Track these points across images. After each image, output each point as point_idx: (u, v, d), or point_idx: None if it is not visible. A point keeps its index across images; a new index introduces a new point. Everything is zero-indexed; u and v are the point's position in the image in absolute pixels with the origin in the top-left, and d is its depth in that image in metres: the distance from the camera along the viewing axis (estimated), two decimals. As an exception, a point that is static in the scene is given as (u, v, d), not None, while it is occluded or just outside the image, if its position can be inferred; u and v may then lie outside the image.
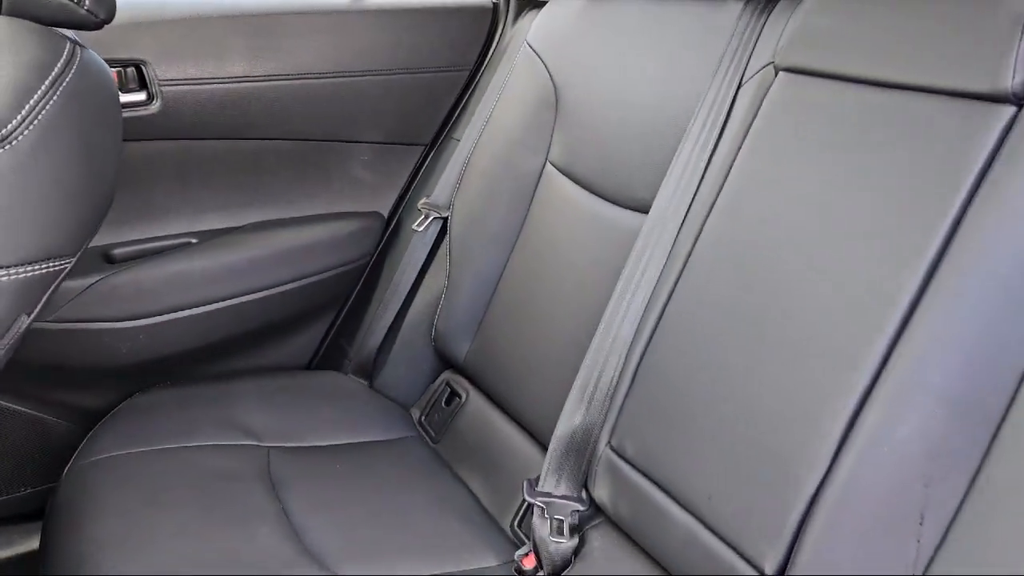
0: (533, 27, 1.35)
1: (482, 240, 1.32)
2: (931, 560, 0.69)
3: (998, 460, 0.68)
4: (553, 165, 1.27)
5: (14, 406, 1.26)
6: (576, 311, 1.12)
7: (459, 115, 1.48)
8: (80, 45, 0.71)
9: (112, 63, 1.20)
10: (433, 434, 1.33)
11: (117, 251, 1.30)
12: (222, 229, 1.38)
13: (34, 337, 1.21)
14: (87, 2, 0.68)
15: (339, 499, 1.11)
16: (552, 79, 1.28)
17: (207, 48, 1.26)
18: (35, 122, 0.61)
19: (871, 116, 0.80)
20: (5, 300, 0.61)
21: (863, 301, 0.75)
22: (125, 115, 1.23)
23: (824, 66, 0.85)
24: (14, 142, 0.59)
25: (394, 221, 1.51)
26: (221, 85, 1.28)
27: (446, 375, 1.38)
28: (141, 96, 1.23)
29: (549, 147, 1.28)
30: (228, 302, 1.34)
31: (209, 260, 1.33)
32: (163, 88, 1.24)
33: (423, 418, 1.36)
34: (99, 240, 1.29)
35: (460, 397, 1.33)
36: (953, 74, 0.74)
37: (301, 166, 1.42)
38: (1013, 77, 0.70)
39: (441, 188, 1.41)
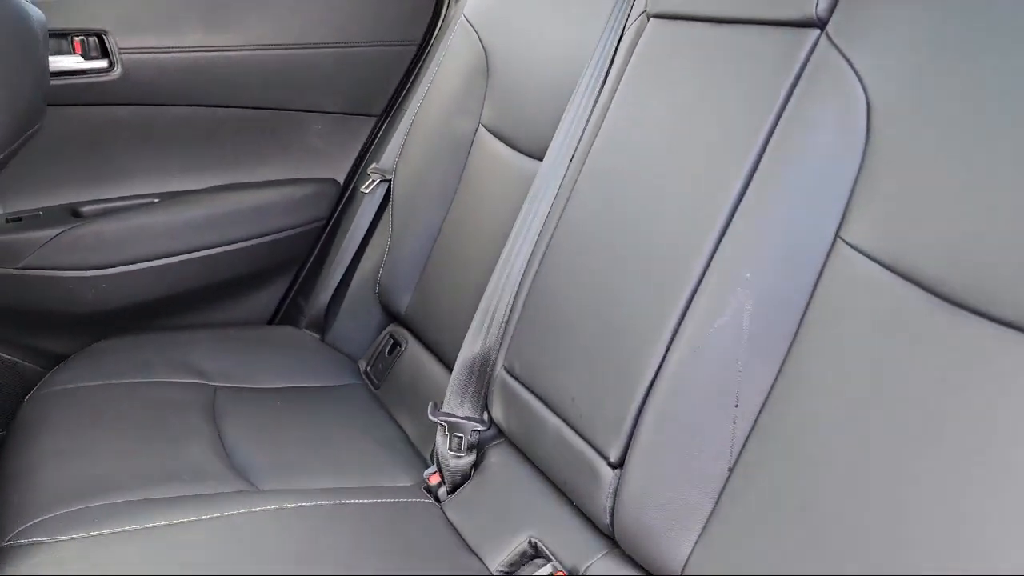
0: (470, 2, 1.44)
1: (422, 200, 1.42)
2: (744, 444, 0.77)
3: (803, 347, 0.75)
4: (484, 127, 1.36)
5: (-8, 351, 1.38)
6: (496, 258, 1.20)
7: (409, 86, 1.58)
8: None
9: (75, 32, 1.32)
10: (376, 382, 1.42)
11: (84, 208, 1.41)
12: (184, 192, 1.48)
13: (4, 283, 1.33)
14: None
15: (272, 428, 1.20)
16: (484, 47, 1.37)
17: (165, 19, 1.37)
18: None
19: (713, 50, 0.88)
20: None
21: (695, 212, 0.83)
22: (88, 80, 1.35)
23: (682, 9, 0.94)
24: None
25: (350, 187, 1.61)
26: (178, 54, 1.39)
27: (391, 328, 1.47)
28: (103, 64, 1.35)
29: (481, 111, 1.37)
30: (187, 256, 1.45)
31: (169, 216, 1.44)
32: (123, 56, 1.35)
33: (368, 368, 1.45)
34: (67, 198, 1.41)
35: (400, 347, 1.42)
36: (774, 5, 0.82)
37: (258, 133, 1.52)
38: (817, 4, 0.77)
39: (388, 154, 1.51)
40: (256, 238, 1.52)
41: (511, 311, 1.05)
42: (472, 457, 1.06)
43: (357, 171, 1.61)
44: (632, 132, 0.95)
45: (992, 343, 0.62)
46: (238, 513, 0.95)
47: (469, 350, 1.08)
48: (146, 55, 1.37)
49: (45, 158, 1.36)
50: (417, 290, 1.40)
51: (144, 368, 1.28)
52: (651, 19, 0.99)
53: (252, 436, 1.17)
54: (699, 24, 0.91)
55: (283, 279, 1.60)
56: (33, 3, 1.09)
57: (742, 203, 0.79)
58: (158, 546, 0.88)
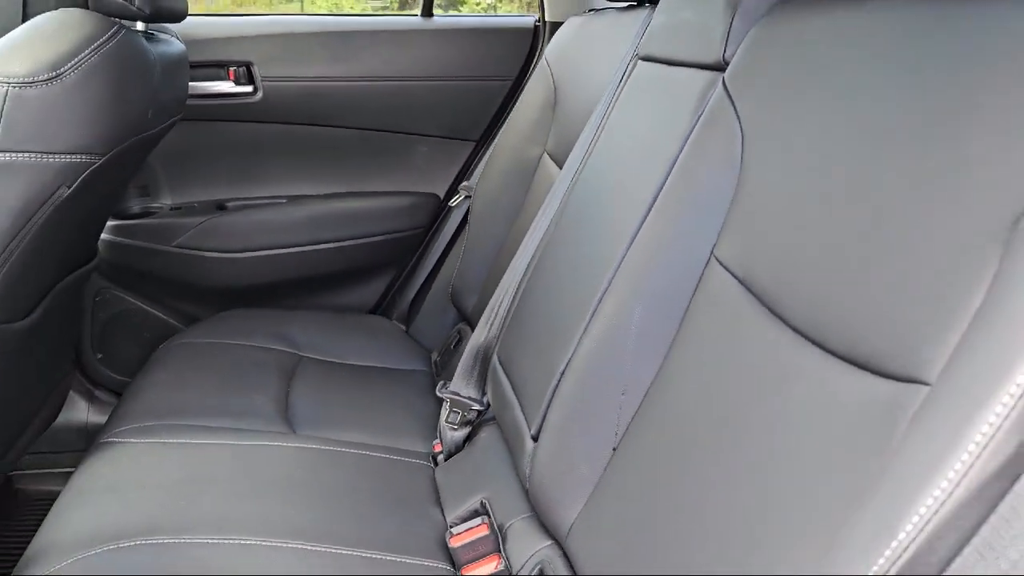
0: (551, 43, 1.63)
1: (493, 215, 1.61)
2: (627, 429, 0.88)
3: (677, 348, 0.85)
4: (547, 154, 1.53)
5: (149, 308, 1.75)
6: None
7: (503, 116, 1.79)
8: (128, 29, 1.13)
9: (229, 63, 1.66)
10: (440, 371, 1.62)
11: (228, 203, 1.76)
12: (306, 195, 1.79)
13: (162, 258, 1.69)
14: (136, 3, 1.10)
15: (330, 393, 1.44)
16: (554, 83, 1.55)
17: (297, 55, 1.69)
18: (79, 68, 1.02)
19: (659, 87, 1.01)
20: (50, 175, 1.02)
21: (618, 224, 0.96)
22: (237, 101, 1.69)
23: (650, 52, 1.07)
24: (63, 78, 1.00)
25: (448, 202, 1.84)
26: (307, 83, 1.70)
27: (460, 325, 1.67)
28: (249, 89, 1.69)
29: (547, 140, 1.55)
30: (304, 248, 1.75)
31: (293, 214, 1.75)
32: (264, 83, 1.68)
33: (437, 359, 1.66)
34: (216, 194, 1.76)
35: (464, 342, 1.61)
36: (700, 50, 0.93)
37: (372, 151, 1.80)
38: (724, 50, 0.88)
39: (477, 174, 1.72)
40: (362, 238, 1.79)
41: (510, 306, 1.22)
42: (466, 431, 1.23)
43: (455, 188, 1.84)
44: (602, 155, 1.09)
45: (795, 357, 0.69)
46: (267, 445, 1.19)
47: (476, 338, 1.26)
48: (282, 83, 1.69)
49: (202, 162, 1.72)
50: (480, 292, 1.60)
51: (249, 334, 1.58)
52: (638, 61, 1.13)
53: (311, 396, 1.41)
54: (656, 64, 1.03)
55: (384, 276, 1.86)
56: (188, 39, 1.44)
57: (647, 220, 0.91)
58: (195, 457, 1.14)
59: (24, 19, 1.28)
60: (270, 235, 1.73)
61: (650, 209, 0.91)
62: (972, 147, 0.54)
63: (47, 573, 0.88)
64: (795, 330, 0.70)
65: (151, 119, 1.18)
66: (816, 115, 0.76)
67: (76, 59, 1.02)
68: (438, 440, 1.27)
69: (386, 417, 1.39)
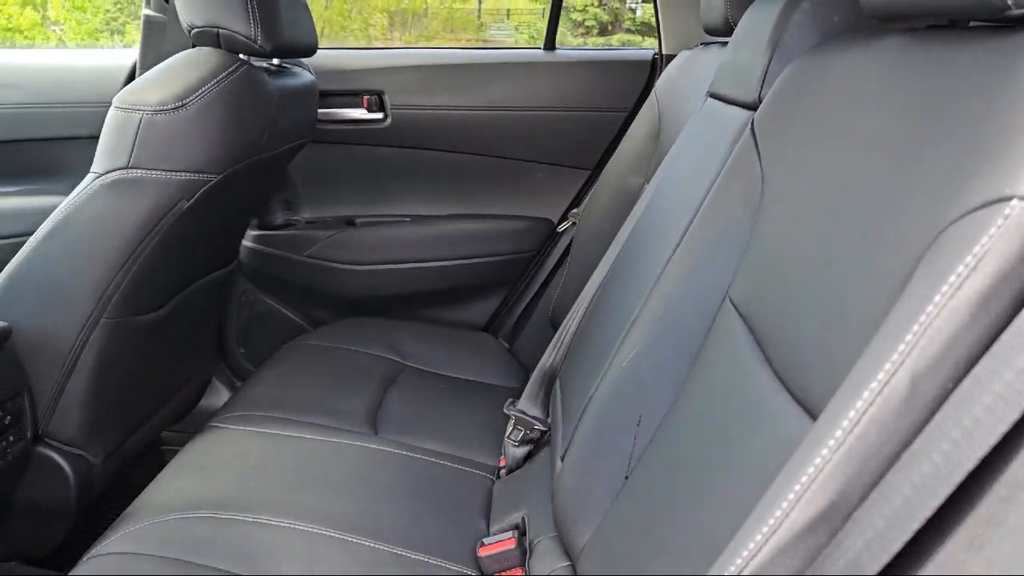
0: (661, 75, 1.65)
1: (594, 241, 1.64)
2: (640, 458, 0.90)
3: (696, 375, 0.86)
4: (647, 183, 1.55)
5: (284, 311, 1.93)
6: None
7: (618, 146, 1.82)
8: (250, 64, 1.28)
9: (363, 92, 1.82)
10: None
11: (357, 219, 1.91)
12: (428, 215, 1.91)
13: (297, 266, 1.87)
14: (259, 39, 1.26)
15: (422, 403, 1.53)
16: (659, 115, 1.57)
17: (424, 85, 1.81)
18: (201, 99, 1.18)
19: (710, 122, 1.01)
20: (173, 190, 1.19)
21: (654, 256, 0.98)
22: (368, 127, 1.84)
23: (714, 89, 1.08)
24: (187, 107, 1.16)
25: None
26: (432, 111, 1.82)
27: (558, 346, 1.72)
28: (380, 115, 1.83)
29: (648, 170, 1.57)
30: (424, 264, 1.87)
31: (415, 232, 1.88)
32: (393, 111, 1.82)
33: (535, 377, 1.72)
34: (347, 211, 1.92)
35: (560, 362, 1.66)
36: (743, 89, 0.94)
37: (491, 176, 1.89)
38: (760, 91, 0.88)
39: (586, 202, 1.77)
40: (478, 258, 1.89)
41: (576, 330, 1.26)
42: (527, 449, 1.28)
43: (567, 215, 1.89)
44: (659, 190, 1.11)
45: (771, 401, 0.69)
46: (345, 443, 1.30)
47: (544, 360, 1.31)
48: (409, 111, 1.82)
49: (336, 181, 1.89)
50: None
51: (362, 341, 1.71)
52: (708, 97, 1.14)
53: (402, 403, 1.51)
54: (715, 101, 1.04)
55: (496, 295, 1.95)
56: (328, 70, 1.60)
57: (673, 256, 0.92)
58: (278, 447, 1.26)
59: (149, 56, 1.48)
60: (393, 250, 1.87)
61: (678, 245, 0.92)
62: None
63: (126, 531, 1.02)
64: (775, 373, 0.70)
65: (266, 144, 1.34)
66: (824, 163, 0.75)
67: (199, 91, 1.18)
68: (502, 456, 1.32)
69: (464, 429, 1.46)
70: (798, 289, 0.71)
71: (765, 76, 0.88)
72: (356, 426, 1.39)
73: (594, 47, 1.96)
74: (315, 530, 1.05)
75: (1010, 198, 0.38)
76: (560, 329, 1.30)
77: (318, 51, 1.56)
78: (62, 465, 1.29)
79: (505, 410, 1.32)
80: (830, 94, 0.76)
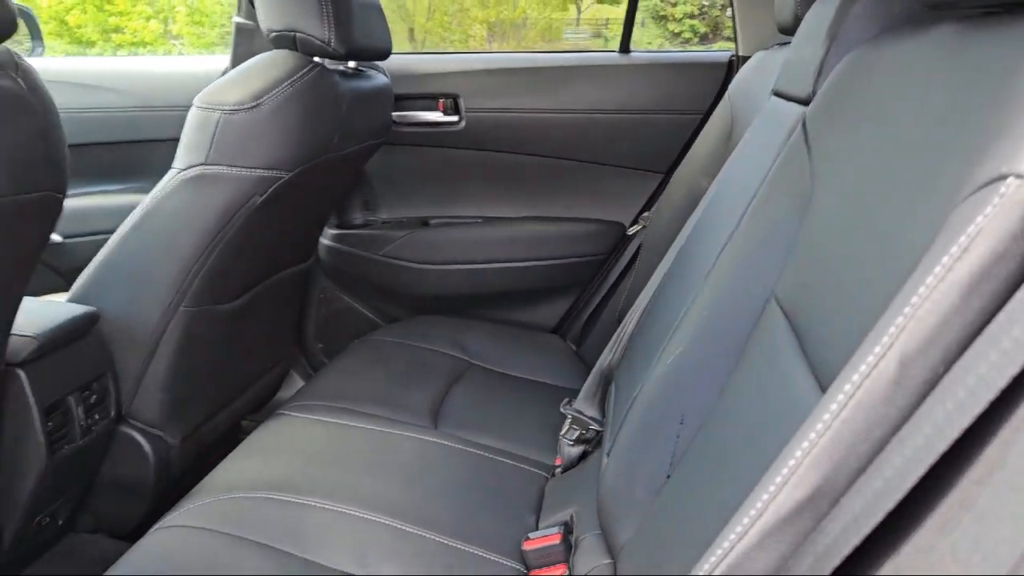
0: (735, 77, 1.62)
1: (660, 243, 1.63)
2: (682, 457, 0.89)
3: (739, 374, 0.85)
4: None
5: (360, 307, 1.99)
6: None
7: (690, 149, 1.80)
8: (324, 67, 1.33)
9: (439, 96, 1.85)
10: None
11: (431, 220, 1.95)
12: (500, 217, 1.93)
13: (372, 264, 1.92)
14: (333, 42, 1.30)
15: (484, 400, 1.55)
16: (732, 116, 1.55)
17: (498, 88, 1.84)
18: (275, 99, 1.23)
19: (770, 120, 0.99)
20: (247, 186, 1.25)
21: (703, 256, 0.96)
22: (444, 130, 1.88)
23: (777, 87, 1.06)
24: (262, 107, 1.22)
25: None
26: (505, 114, 1.84)
27: (623, 350, 1.71)
28: (455, 118, 1.87)
29: (718, 172, 1.54)
30: (494, 264, 1.89)
31: (487, 233, 1.90)
32: (468, 114, 1.85)
33: (599, 380, 1.71)
34: (421, 211, 1.96)
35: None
36: (799, 85, 0.92)
37: (563, 179, 1.90)
38: (814, 86, 0.86)
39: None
40: (549, 260, 1.89)
41: (632, 331, 1.25)
42: (581, 448, 1.28)
43: (639, 218, 1.88)
44: (717, 189, 1.09)
45: (807, 399, 0.68)
46: (404, 435, 1.33)
47: (602, 360, 1.30)
48: (483, 114, 1.85)
49: (412, 182, 1.93)
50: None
51: (431, 339, 1.74)
52: (771, 95, 1.11)
53: (464, 400, 1.53)
54: (776, 99, 1.02)
55: (567, 297, 1.95)
56: (406, 74, 1.64)
57: (723, 252, 0.91)
58: (339, 435, 1.30)
59: (239, 60, 1.55)
60: (465, 251, 1.90)
61: (725, 245, 0.91)
62: None
63: (189, 507, 1.08)
64: (813, 372, 0.68)
65: (338, 143, 1.38)
66: (870, 155, 0.73)
67: (273, 91, 1.24)
68: (558, 455, 1.32)
69: (523, 427, 1.47)
70: (838, 286, 0.69)
71: (820, 70, 0.86)
72: (417, 420, 1.42)
73: (670, 50, 1.93)
74: (367, 516, 1.08)
75: (1007, 176, 0.37)
76: (619, 329, 1.30)
77: (396, 55, 1.61)
78: (142, 444, 1.36)
79: (562, 409, 1.32)
80: (880, 86, 0.74)
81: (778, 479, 0.41)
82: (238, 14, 1.80)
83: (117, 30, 8.41)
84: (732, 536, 0.43)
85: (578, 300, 1.95)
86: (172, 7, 9.13)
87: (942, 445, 0.33)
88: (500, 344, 1.78)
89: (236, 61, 1.76)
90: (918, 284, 0.39)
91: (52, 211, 0.92)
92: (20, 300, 1.01)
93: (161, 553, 0.99)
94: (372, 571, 0.99)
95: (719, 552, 0.43)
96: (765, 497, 0.41)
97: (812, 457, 0.40)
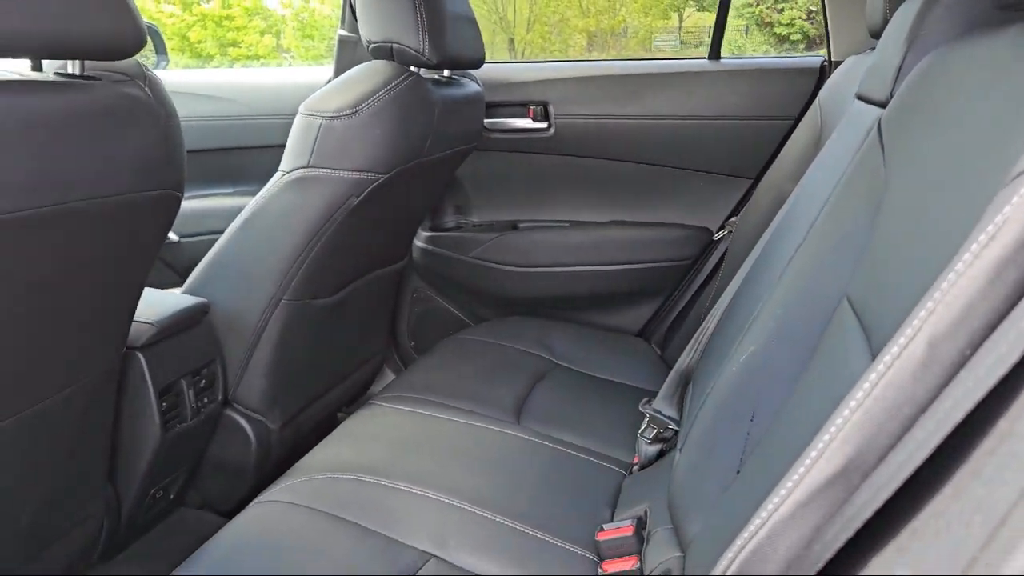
0: (826, 82, 1.61)
1: (745, 248, 1.63)
2: (752, 453, 0.90)
3: (809, 373, 0.86)
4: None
5: (450, 307, 2.06)
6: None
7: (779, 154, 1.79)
8: (419, 76, 1.40)
9: (530, 103, 1.91)
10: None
11: (520, 224, 2.00)
12: (588, 221, 1.97)
13: (462, 266, 1.99)
14: (427, 52, 1.38)
15: (566, 398, 1.59)
16: (821, 121, 1.54)
17: (586, 96, 1.87)
18: (373, 107, 1.31)
19: (851, 122, 1.00)
20: (345, 187, 1.33)
21: (777, 259, 0.97)
22: (533, 136, 1.93)
23: (859, 90, 1.06)
24: (360, 113, 1.30)
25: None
26: (593, 120, 1.88)
27: (708, 354, 1.72)
28: (544, 125, 1.92)
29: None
30: (581, 268, 1.93)
31: (574, 237, 1.94)
32: (556, 120, 1.89)
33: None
34: (511, 215, 2.02)
35: (705, 370, 1.66)
36: (879, 87, 0.92)
37: (651, 185, 1.92)
38: (892, 87, 0.87)
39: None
40: (635, 264, 1.92)
41: (711, 332, 1.26)
42: (659, 447, 1.30)
43: (726, 224, 1.88)
44: (798, 192, 1.10)
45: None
46: (487, 428, 1.38)
47: (681, 362, 1.32)
48: (572, 120, 1.89)
49: (502, 186, 1.99)
50: (726, 323, 1.63)
51: (517, 338, 1.79)
52: (855, 99, 1.11)
53: (547, 398, 1.57)
54: (859, 102, 1.02)
55: (653, 301, 1.96)
56: (497, 83, 1.71)
57: (796, 253, 0.92)
58: (425, 425, 1.37)
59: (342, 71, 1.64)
60: (552, 254, 1.94)
61: (800, 246, 0.92)
62: None
63: (285, 484, 1.16)
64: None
65: (430, 148, 1.46)
66: (942, 155, 0.73)
67: (371, 99, 1.32)
68: (637, 453, 1.35)
69: (604, 426, 1.50)
70: (905, 286, 0.70)
71: (899, 73, 0.86)
72: (501, 414, 1.47)
73: (760, 56, 1.93)
74: (449, 501, 1.14)
75: (1035, 166, 0.38)
76: (698, 331, 1.31)
77: (489, 64, 1.67)
78: (245, 428, 1.47)
79: (640, 408, 1.34)
80: (952, 88, 0.74)
81: (813, 454, 0.44)
82: (342, 27, 1.91)
83: (234, 44, 8.89)
84: (770, 507, 0.45)
85: (664, 304, 1.96)
86: (284, 22, 9.59)
87: (959, 415, 0.36)
88: (585, 345, 1.81)
89: (339, 71, 1.86)
90: (949, 271, 0.41)
91: (171, 208, 1.01)
92: (142, 289, 1.12)
93: (259, 525, 1.08)
94: (451, 552, 1.04)
95: (756, 523, 0.46)
96: (801, 471, 0.44)
97: (845, 432, 0.42)
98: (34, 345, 0.89)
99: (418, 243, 2.00)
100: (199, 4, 9.15)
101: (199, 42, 8.70)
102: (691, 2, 8.94)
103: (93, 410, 1.10)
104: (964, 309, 0.39)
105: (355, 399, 1.92)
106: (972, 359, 0.39)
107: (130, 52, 0.85)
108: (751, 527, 0.46)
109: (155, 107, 0.92)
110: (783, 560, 0.44)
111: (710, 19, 1.99)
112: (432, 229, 2.01)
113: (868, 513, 0.38)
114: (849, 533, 0.39)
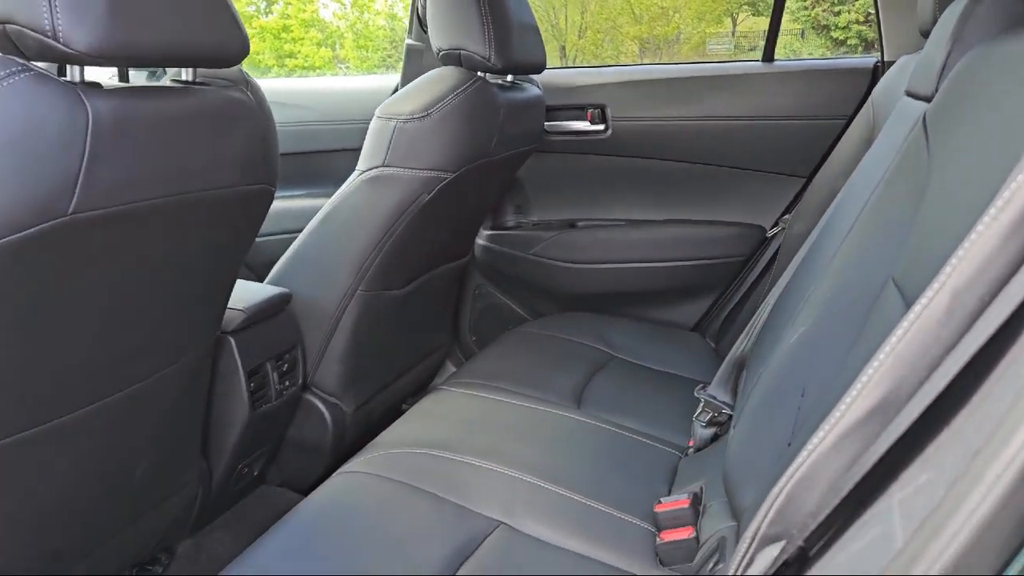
0: (879, 82, 1.65)
1: (797, 243, 1.68)
2: (803, 427, 0.97)
3: (856, 349, 0.92)
4: (855, 188, 1.57)
5: (510, 303, 2.15)
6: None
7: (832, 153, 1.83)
8: (485, 80, 1.50)
9: (588, 106, 1.99)
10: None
11: (578, 222, 2.08)
12: (643, 220, 2.04)
13: (522, 263, 2.07)
14: (492, 59, 1.47)
15: (623, 387, 1.66)
16: (874, 120, 1.58)
17: (643, 98, 1.95)
18: (442, 110, 1.40)
19: (898, 117, 1.05)
20: (417, 185, 1.42)
21: (828, 245, 1.03)
22: (591, 138, 2.01)
23: (908, 86, 1.11)
24: (431, 115, 1.40)
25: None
26: (650, 122, 1.95)
27: (762, 348, 1.77)
28: (601, 127, 1.99)
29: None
30: (637, 264, 2.00)
31: (629, 234, 2.01)
32: (613, 122, 1.97)
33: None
34: (569, 214, 2.10)
35: (759, 362, 1.71)
36: (924, 82, 0.97)
37: (705, 183, 1.98)
38: (937, 82, 0.92)
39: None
40: (690, 261, 1.98)
41: (765, 320, 1.32)
42: (711, 431, 1.36)
43: (779, 222, 1.93)
44: (850, 184, 1.16)
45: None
46: (549, 412, 1.46)
47: (736, 348, 1.38)
48: (628, 122, 1.97)
49: (561, 186, 2.07)
50: (780, 318, 1.68)
51: (576, 332, 1.87)
52: (904, 95, 1.16)
53: (606, 386, 1.64)
54: (907, 98, 1.08)
55: (707, 297, 2.02)
56: (557, 87, 1.79)
57: (845, 240, 0.98)
58: (490, 407, 1.45)
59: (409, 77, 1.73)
60: (609, 251, 2.02)
61: (849, 230, 0.98)
62: None
63: (364, 458, 1.25)
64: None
65: (495, 148, 1.54)
66: (986, 147, 0.78)
67: (441, 103, 1.41)
68: (693, 436, 1.41)
69: (660, 412, 1.56)
70: (944, 262, 0.76)
71: (943, 69, 0.92)
72: (562, 400, 1.54)
73: (813, 57, 1.97)
74: (514, 474, 1.22)
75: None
76: (753, 318, 1.37)
77: (549, 70, 1.75)
78: (322, 410, 1.57)
79: (696, 393, 1.41)
80: (993, 83, 0.80)
81: (853, 392, 0.51)
82: (409, 37, 2.02)
83: (291, 55, 9.16)
84: (815, 440, 0.52)
85: (718, 300, 2.01)
86: (340, 34, 9.84)
87: (974, 347, 0.42)
88: (642, 339, 1.88)
89: (406, 78, 1.96)
90: (971, 233, 0.47)
91: (266, 202, 1.12)
92: (236, 278, 1.23)
93: (343, 492, 1.17)
94: (518, 519, 1.12)
95: (803, 455, 0.53)
96: (842, 407, 0.51)
97: (880, 374, 0.49)
98: (149, 321, 1.00)
99: (480, 241, 2.09)
100: (258, 18, 9.46)
101: (257, 53, 8.97)
102: (746, 7, 8.91)
103: (192, 387, 1.21)
104: (982, 263, 0.46)
105: (419, 390, 2.02)
106: (990, 306, 0.45)
107: (235, 61, 0.95)
108: (799, 459, 0.53)
109: (256, 110, 1.02)
110: (826, 485, 0.51)
111: (764, 23, 2.04)
112: (493, 228, 2.11)
113: (886, 445, 0.45)
114: (881, 451, 0.45)
